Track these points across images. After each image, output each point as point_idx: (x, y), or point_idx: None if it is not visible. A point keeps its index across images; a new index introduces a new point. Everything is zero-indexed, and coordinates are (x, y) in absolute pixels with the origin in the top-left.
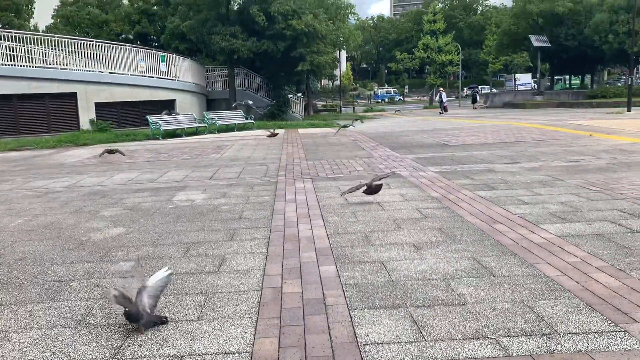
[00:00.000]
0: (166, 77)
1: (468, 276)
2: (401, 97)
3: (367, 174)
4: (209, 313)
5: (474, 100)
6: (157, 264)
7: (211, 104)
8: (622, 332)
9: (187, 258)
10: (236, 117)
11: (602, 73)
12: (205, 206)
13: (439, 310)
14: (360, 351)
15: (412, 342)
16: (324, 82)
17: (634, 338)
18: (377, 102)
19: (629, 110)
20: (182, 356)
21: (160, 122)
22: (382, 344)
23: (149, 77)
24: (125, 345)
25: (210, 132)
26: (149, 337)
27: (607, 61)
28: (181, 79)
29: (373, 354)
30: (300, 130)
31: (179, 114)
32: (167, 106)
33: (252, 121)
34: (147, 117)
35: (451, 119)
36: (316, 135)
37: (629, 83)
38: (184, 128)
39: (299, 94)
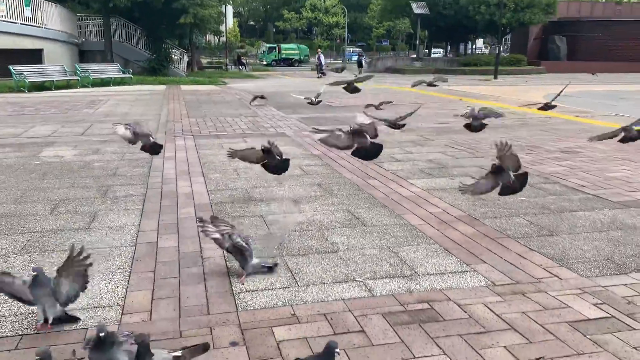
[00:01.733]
0: (32, 24)
1: (342, 226)
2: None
3: (252, 132)
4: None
5: (360, 65)
6: (18, 222)
7: (84, 55)
8: (472, 272)
9: (55, 215)
10: (112, 70)
11: (475, 42)
12: (75, 162)
13: (313, 258)
14: (234, 299)
15: (285, 287)
16: (210, 38)
17: (481, 276)
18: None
19: (495, 77)
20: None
21: (25, 73)
22: (256, 291)
23: (11, 22)
24: None
25: (83, 86)
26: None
27: (480, 31)
28: (50, 27)
29: (247, 301)
30: (183, 87)
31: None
32: (34, 55)
33: (130, 76)
34: (10, 67)
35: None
36: (200, 92)
37: (497, 52)
38: (53, 81)
39: (182, 49)
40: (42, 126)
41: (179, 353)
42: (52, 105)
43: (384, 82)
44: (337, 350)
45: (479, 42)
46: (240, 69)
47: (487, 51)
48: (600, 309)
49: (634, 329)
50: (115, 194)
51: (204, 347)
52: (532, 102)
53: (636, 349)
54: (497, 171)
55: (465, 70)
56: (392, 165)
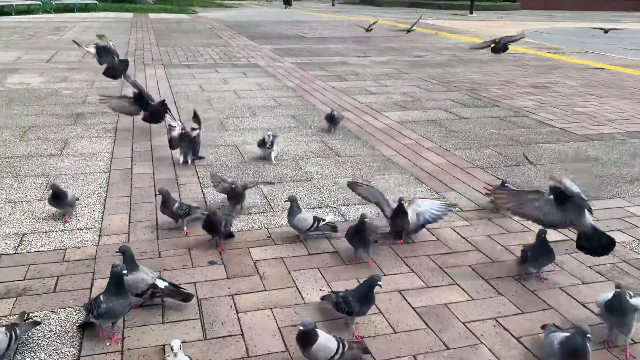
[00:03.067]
0: None
1: (316, 156)
2: None
3: (224, 62)
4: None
5: None
6: None
7: None
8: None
9: (25, 142)
10: None
11: None
12: (43, 90)
13: (288, 185)
14: None
15: (261, 212)
16: None
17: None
18: None
19: (471, 12)
20: (23, 234)
21: None
22: (233, 215)
23: None
24: None
25: (46, 12)
26: None
27: None
28: None
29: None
30: (152, 15)
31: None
32: None
33: (95, 2)
34: None
35: (312, 12)
36: (169, 21)
37: None
38: (13, 5)
39: None
40: (4, 52)
41: (163, 282)
42: (14, 30)
43: (358, 14)
44: (380, 283)
45: None
46: None
47: None
48: (560, 232)
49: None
50: (86, 121)
51: (185, 297)
52: (482, 43)
53: (590, 268)
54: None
55: (441, 5)
56: (366, 98)
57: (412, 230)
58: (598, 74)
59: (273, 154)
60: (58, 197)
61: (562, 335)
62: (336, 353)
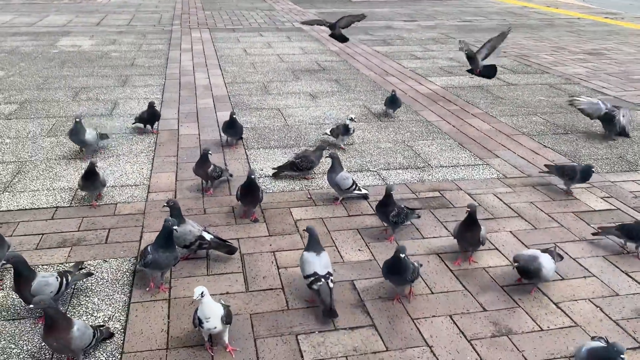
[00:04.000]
0: None
1: (358, 121)
2: None
3: (269, 26)
4: (103, 151)
5: None
6: (43, 107)
7: None
8: (485, 165)
9: (77, 102)
10: None
11: None
12: (93, 52)
13: (329, 150)
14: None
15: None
16: None
17: (493, 169)
18: None
19: None
20: (77, 189)
21: None
22: (274, 177)
23: None
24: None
25: None
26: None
27: None
28: None
29: (267, 185)
30: None
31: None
32: None
33: None
34: None
35: None
36: None
37: None
38: None
39: None
40: (56, 16)
41: (209, 235)
42: None
43: None
44: (404, 255)
45: None
46: None
47: None
48: (607, 201)
49: (637, 219)
50: (134, 83)
51: (230, 250)
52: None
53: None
54: None
55: None
56: (411, 63)
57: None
58: None
59: (346, 140)
60: (92, 176)
61: (596, 345)
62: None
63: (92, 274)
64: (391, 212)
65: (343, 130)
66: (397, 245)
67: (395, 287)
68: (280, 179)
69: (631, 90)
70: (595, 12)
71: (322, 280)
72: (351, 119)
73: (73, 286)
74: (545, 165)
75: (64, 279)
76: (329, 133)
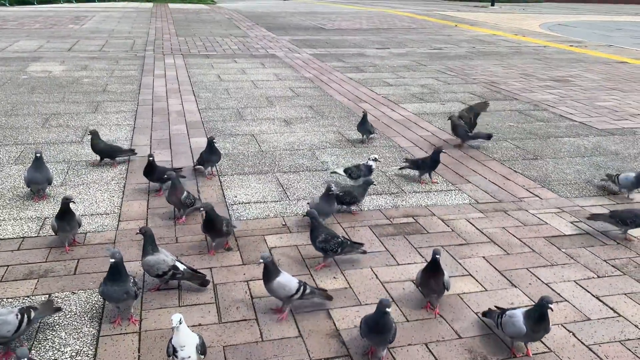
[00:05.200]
0: None
1: (332, 147)
2: None
3: (243, 52)
4: (73, 179)
5: None
6: (11, 134)
7: None
8: (457, 191)
9: (47, 128)
10: None
11: None
12: (64, 78)
13: (303, 175)
14: (228, 209)
15: (277, 201)
16: None
17: (465, 195)
18: None
19: (492, 4)
20: (45, 218)
21: None
22: (249, 203)
23: None
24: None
25: (67, 1)
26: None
27: None
28: None
29: (240, 212)
30: (171, 5)
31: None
32: None
33: None
34: None
35: (330, 4)
36: (188, 11)
37: None
38: None
39: None
40: (27, 41)
41: (182, 265)
42: (35, 20)
43: (376, 4)
44: (389, 309)
45: None
46: None
47: None
48: (577, 226)
49: (606, 244)
50: (106, 109)
51: (203, 282)
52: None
53: (606, 262)
54: None
55: None
56: (383, 90)
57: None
58: (621, 67)
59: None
60: (67, 215)
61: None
62: (296, 293)
63: (61, 309)
64: (317, 238)
65: (366, 172)
66: (381, 298)
67: (374, 346)
68: (254, 204)
69: (595, 117)
70: (560, 41)
71: (308, 287)
72: (375, 159)
73: (39, 321)
74: (592, 215)
75: (25, 316)
76: (342, 173)
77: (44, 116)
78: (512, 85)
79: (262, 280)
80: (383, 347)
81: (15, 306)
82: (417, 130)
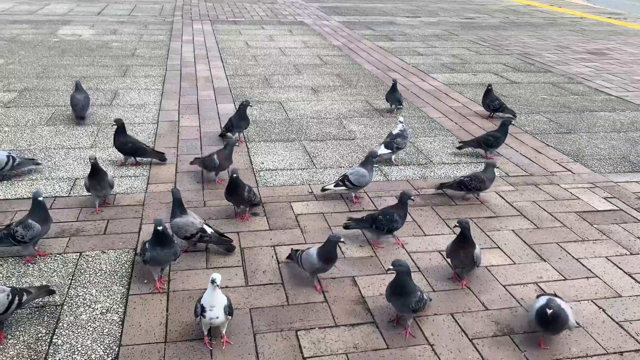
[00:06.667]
0: None
1: (360, 116)
2: None
3: (270, 19)
4: (102, 142)
5: None
6: (42, 96)
7: None
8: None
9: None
10: None
11: None
12: (93, 42)
13: (330, 144)
14: (255, 175)
15: (303, 168)
16: None
17: (495, 168)
18: None
19: None
20: (75, 178)
21: None
22: (276, 170)
23: None
24: None
25: None
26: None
27: None
28: None
29: (267, 178)
30: None
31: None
32: None
33: None
34: None
35: None
36: None
37: None
38: None
39: None
40: (57, 4)
41: (209, 229)
42: None
43: None
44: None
45: None
46: None
47: None
48: (610, 202)
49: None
50: (134, 73)
51: (229, 248)
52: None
53: (638, 239)
54: None
55: None
56: (413, 59)
57: None
58: None
59: (393, 156)
60: (96, 174)
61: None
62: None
63: (55, 292)
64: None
65: (405, 135)
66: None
67: (398, 311)
68: (280, 171)
69: (633, 91)
70: (598, 12)
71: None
72: (400, 121)
73: (32, 304)
74: None
75: (16, 297)
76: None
77: (74, 79)
78: (547, 57)
79: (288, 246)
80: (407, 313)
81: (8, 286)
82: (447, 101)
